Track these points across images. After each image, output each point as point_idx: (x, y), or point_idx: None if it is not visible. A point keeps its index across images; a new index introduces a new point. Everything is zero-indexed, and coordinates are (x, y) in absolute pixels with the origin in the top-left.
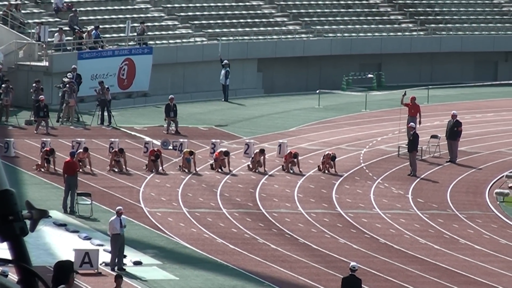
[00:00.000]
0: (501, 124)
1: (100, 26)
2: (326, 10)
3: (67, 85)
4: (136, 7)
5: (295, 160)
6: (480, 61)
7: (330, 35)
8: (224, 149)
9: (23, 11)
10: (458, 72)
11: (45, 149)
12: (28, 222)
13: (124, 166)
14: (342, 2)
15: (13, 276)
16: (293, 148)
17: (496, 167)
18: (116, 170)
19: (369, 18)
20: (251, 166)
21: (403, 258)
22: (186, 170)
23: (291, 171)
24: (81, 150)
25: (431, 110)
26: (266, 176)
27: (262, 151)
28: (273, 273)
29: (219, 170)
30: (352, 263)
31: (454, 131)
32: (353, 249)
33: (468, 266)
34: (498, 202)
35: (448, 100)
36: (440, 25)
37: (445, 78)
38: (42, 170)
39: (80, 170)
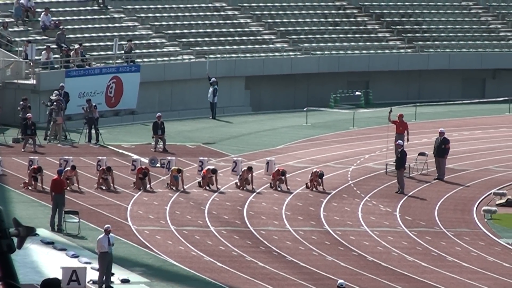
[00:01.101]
0: (488, 141)
1: (87, 44)
2: (313, 28)
3: (55, 103)
4: (123, 24)
5: (283, 177)
6: (468, 78)
7: (318, 52)
8: (211, 167)
9: (10, 29)
10: (446, 89)
11: (32, 167)
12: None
13: (112, 184)
14: (329, 19)
15: None
16: (280, 166)
17: (483, 184)
18: (104, 188)
19: (356, 35)
20: (239, 183)
21: (391, 276)
22: (174, 188)
23: (279, 189)
24: (69, 168)
25: (418, 128)
26: (254, 193)
27: (250, 169)
28: None
29: (207, 188)
30: (340, 281)
31: (441, 148)
32: (341, 266)
33: (456, 284)
34: (485, 220)
35: (435, 118)
36: (428, 42)
37: (433, 95)
38: (30, 188)
39: (68, 188)
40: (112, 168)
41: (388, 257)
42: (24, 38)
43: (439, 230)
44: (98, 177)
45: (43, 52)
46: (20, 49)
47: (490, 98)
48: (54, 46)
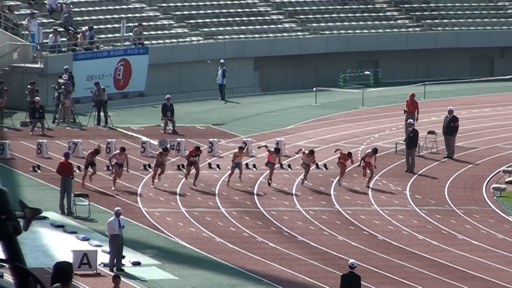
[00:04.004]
0: (497, 119)
1: (95, 27)
2: (322, 7)
3: (63, 86)
4: (131, 6)
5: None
6: (476, 56)
7: (326, 32)
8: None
9: (16, 12)
10: (454, 68)
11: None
12: (21, 221)
13: (126, 168)
14: None
15: (9, 278)
16: (290, 147)
17: (493, 162)
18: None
19: (365, 14)
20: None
21: (402, 255)
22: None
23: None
24: (118, 151)
25: (427, 106)
26: (264, 174)
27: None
28: (272, 271)
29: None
30: (351, 260)
31: (451, 126)
32: (351, 246)
33: (466, 262)
34: (495, 197)
35: (444, 96)
36: (436, 20)
37: (441, 74)
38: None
39: (126, 170)
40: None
41: (399, 236)
42: (25, 18)
43: (449, 208)
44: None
45: (50, 35)
46: (26, 32)
47: (499, 76)
48: (61, 29)
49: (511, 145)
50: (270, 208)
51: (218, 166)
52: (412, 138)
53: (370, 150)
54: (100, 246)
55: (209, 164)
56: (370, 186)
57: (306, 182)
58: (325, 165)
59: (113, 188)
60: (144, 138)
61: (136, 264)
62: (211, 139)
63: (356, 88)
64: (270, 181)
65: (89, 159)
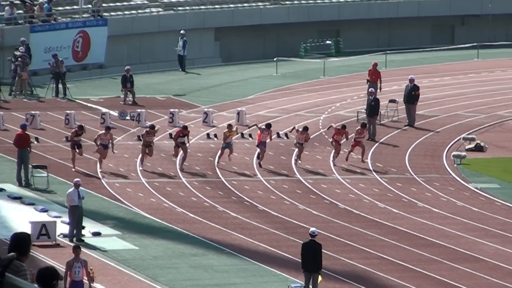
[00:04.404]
0: (458, 87)
1: None
2: None
3: (19, 59)
4: None
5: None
6: (437, 25)
7: (287, 2)
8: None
9: None
10: (416, 36)
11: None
12: None
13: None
14: None
15: None
16: (251, 117)
17: (453, 130)
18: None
19: None
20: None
21: (363, 223)
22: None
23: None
24: (103, 131)
25: (389, 75)
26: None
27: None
28: (233, 241)
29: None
30: (312, 229)
31: (412, 95)
32: (312, 214)
33: (426, 229)
34: (455, 165)
35: (406, 65)
36: None
37: (403, 43)
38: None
39: (112, 150)
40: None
41: (360, 204)
42: None
43: (409, 176)
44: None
45: (6, 8)
46: None
47: (459, 44)
48: (18, 1)
49: (471, 113)
50: (231, 178)
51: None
52: (373, 107)
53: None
54: (59, 217)
55: (170, 134)
56: (364, 160)
57: (299, 162)
58: (286, 134)
59: (99, 170)
60: (104, 110)
61: (97, 234)
62: (171, 110)
63: (317, 57)
64: (260, 163)
65: (73, 140)
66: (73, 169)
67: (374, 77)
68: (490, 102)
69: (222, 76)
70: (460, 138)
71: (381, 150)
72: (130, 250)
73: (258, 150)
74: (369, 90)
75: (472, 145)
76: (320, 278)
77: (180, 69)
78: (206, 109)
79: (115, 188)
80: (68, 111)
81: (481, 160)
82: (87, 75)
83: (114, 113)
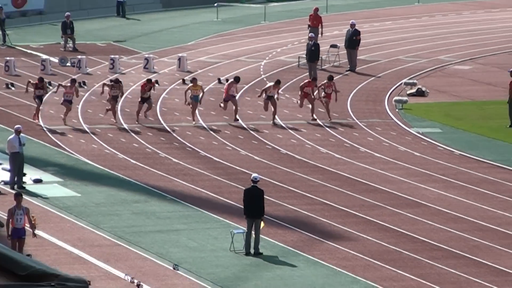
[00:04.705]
0: (399, 32)
1: None
2: None
3: None
4: None
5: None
6: None
7: None
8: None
9: None
10: None
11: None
12: None
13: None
14: None
15: None
16: (192, 62)
17: (394, 74)
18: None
19: None
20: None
21: (305, 168)
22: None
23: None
24: (69, 84)
25: (330, 20)
26: (167, 90)
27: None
28: (175, 187)
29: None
30: (254, 175)
31: (353, 40)
32: (254, 160)
33: (368, 174)
34: (397, 110)
35: (346, 10)
36: None
37: None
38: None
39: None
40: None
41: (302, 150)
42: None
43: (351, 121)
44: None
45: None
46: None
47: None
48: None
49: (413, 58)
50: (173, 124)
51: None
52: (313, 52)
53: (326, 81)
54: (0, 164)
55: (111, 80)
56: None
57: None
58: (227, 80)
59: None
60: (44, 56)
61: (38, 181)
62: (112, 56)
63: (258, 3)
64: (237, 118)
65: (36, 94)
66: (36, 121)
67: (315, 22)
68: (431, 47)
69: (163, 22)
70: (401, 83)
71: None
72: (72, 197)
73: (222, 105)
74: (309, 35)
75: (413, 90)
76: (262, 224)
77: (120, 15)
78: (146, 55)
79: (56, 135)
80: (7, 58)
81: (423, 104)
82: (27, 22)
83: (55, 60)
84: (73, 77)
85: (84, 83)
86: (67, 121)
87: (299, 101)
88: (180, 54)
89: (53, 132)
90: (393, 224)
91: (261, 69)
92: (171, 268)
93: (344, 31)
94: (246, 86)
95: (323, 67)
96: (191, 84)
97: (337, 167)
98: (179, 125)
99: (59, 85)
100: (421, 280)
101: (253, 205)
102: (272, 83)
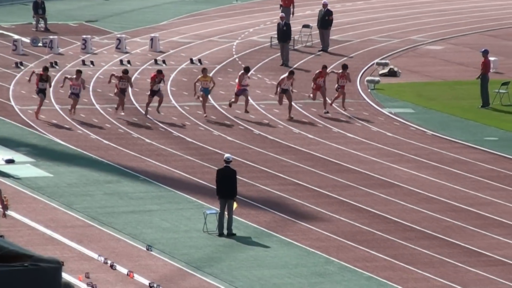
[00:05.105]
0: (371, 12)
1: None
2: None
3: None
4: None
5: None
6: None
7: None
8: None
9: None
10: None
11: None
12: None
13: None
14: None
15: None
16: (164, 43)
17: (367, 54)
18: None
19: None
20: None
21: (278, 148)
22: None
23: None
24: (74, 76)
25: (302, 0)
26: (139, 70)
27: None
28: (148, 167)
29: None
30: (227, 155)
31: (325, 20)
32: (227, 140)
33: (341, 154)
34: (369, 90)
35: None
36: None
37: None
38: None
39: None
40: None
41: (275, 130)
42: None
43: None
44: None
45: None
46: None
47: None
48: None
49: (385, 38)
50: (145, 104)
51: (92, 62)
52: (285, 32)
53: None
54: None
55: (83, 61)
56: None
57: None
58: (199, 60)
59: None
60: (16, 36)
61: (10, 162)
62: (84, 36)
63: None
64: (247, 110)
65: (38, 87)
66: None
67: (287, 2)
68: (403, 27)
69: (135, 1)
70: (373, 63)
71: (295, 76)
72: (44, 178)
73: (233, 99)
74: (280, 15)
75: (385, 70)
76: (235, 204)
77: None
78: (119, 35)
79: (28, 115)
80: None
81: (395, 85)
82: None
83: (26, 40)
84: (78, 68)
85: (56, 63)
86: (74, 114)
87: (311, 95)
88: (152, 34)
89: (24, 112)
90: (366, 205)
91: (234, 49)
92: (145, 249)
93: (317, 11)
94: (218, 66)
95: (295, 47)
96: (200, 75)
97: (309, 147)
98: (151, 105)
99: (65, 78)
100: (394, 261)
101: (225, 186)
102: (285, 75)
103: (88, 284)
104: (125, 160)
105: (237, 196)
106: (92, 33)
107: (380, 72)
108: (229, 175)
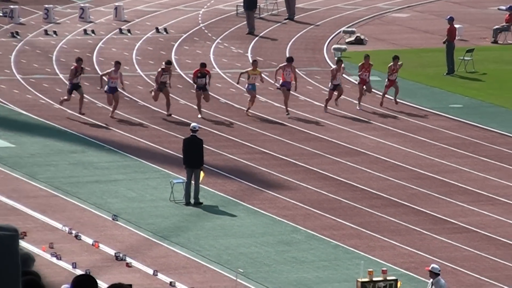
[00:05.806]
0: None
1: None
2: None
3: None
4: None
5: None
6: None
7: None
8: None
9: None
10: None
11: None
12: None
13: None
14: None
15: None
16: (129, 12)
17: (333, 22)
18: None
19: None
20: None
21: (244, 117)
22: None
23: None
24: (113, 69)
25: None
26: (104, 39)
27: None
28: (113, 137)
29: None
30: (193, 124)
31: None
32: (193, 109)
33: (308, 123)
34: (336, 58)
35: None
36: None
37: None
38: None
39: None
40: None
41: (241, 99)
42: None
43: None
44: None
45: None
46: None
47: None
48: None
49: (351, 6)
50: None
51: (55, 32)
52: (251, 0)
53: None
54: None
55: (45, 31)
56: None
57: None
58: (165, 29)
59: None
60: None
61: None
62: (46, 6)
63: None
64: (288, 111)
65: (73, 82)
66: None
67: None
68: None
69: None
70: (340, 31)
71: (261, 44)
72: (5, 148)
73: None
74: None
75: (352, 38)
76: (202, 173)
77: None
78: (82, 5)
79: None
80: None
81: (361, 53)
82: None
83: None
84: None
85: (17, 33)
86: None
87: (363, 92)
88: (116, 3)
89: None
90: (333, 173)
91: (199, 18)
92: (110, 219)
93: None
94: (184, 35)
95: (261, 16)
96: (250, 69)
97: (276, 116)
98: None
99: (102, 76)
100: (360, 229)
101: (192, 155)
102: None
103: (52, 254)
104: (89, 130)
105: (204, 165)
106: (54, 2)
107: (347, 40)
108: (195, 144)
